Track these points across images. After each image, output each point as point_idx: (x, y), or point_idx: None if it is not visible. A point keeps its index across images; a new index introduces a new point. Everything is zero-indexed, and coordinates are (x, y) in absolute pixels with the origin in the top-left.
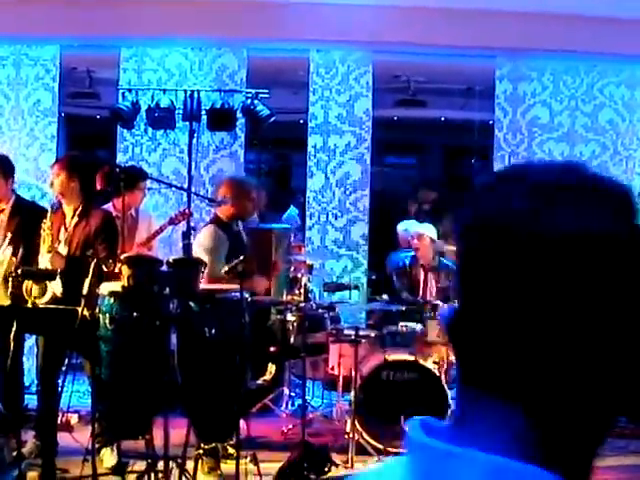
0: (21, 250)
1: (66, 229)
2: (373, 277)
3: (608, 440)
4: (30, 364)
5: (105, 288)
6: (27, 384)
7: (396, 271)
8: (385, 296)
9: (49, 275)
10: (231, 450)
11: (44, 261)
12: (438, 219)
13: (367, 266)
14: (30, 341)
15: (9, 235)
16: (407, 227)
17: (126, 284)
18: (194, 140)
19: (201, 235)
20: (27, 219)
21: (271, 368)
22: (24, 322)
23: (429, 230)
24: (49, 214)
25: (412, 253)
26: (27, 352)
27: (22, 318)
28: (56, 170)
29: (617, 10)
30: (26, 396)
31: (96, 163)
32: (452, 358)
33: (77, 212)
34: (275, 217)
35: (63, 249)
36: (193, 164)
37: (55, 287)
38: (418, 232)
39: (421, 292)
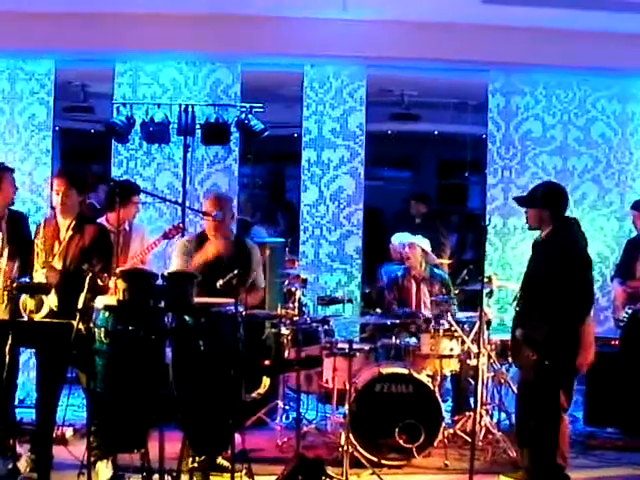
0: (17, 263)
1: (60, 243)
2: (367, 290)
3: (601, 452)
4: (25, 378)
5: (100, 302)
6: (22, 398)
7: (387, 284)
8: (378, 310)
9: (43, 289)
10: (226, 463)
11: (38, 276)
12: (430, 232)
13: (361, 280)
14: (25, 355)
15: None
16: (400, 239)
17: (121, 298)
18: (188, 154)
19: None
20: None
21: (265, 381)
22: (19, 335)
23: (421, 241)
24: (41, 228)
25: (404, 265)
26: (22, 366)
27: (17, 332)
28: (62, 185)
29: (609, 25)
30: (21, 410)
31: (93, 178)
32: (445, 371)
33: (71, 226)
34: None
35: (57, 263)
36: (187, 178)
37: (51, 301)
38: (409, 242)
39: (414, 304)
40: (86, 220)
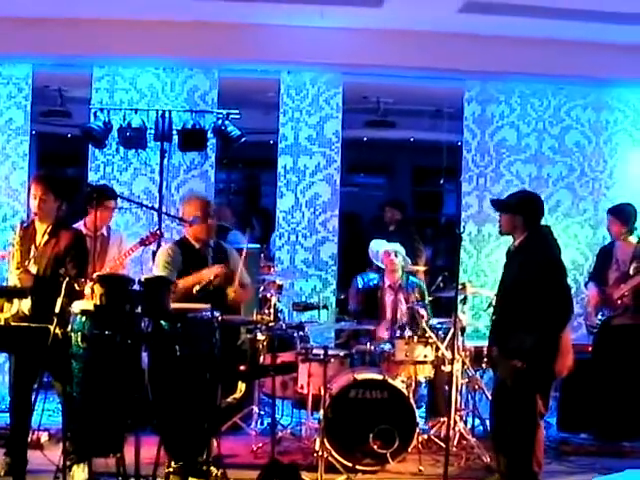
0: None
1: (36, 247)
2: (342, 297)
3: (575, 458)
4: (0, 381)
5: (77, 306)
6: None
7: (362, 291)
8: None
9: (18, 292)
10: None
11: (13, 278)
12: (404, 239)
13: (336, 286)
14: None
15: None
16: (375, 246)
17: (98, 302)
18: (165, 160)
19: (158, 252)
20: None
21: (241, 386)
22: None
23: (398, 248)
24: (18, 231)
25: (375, 275)
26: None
27: None
28: (39, 189)
29: (584, 34)
30: None
31: (71, 182)
32: (420, 377)
33: (47, 231)
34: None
35: (33, 267)
36: (164, 184)
37: (23, 305)
38: (387, 249)
39: (390, 312)
40: (62, 225)
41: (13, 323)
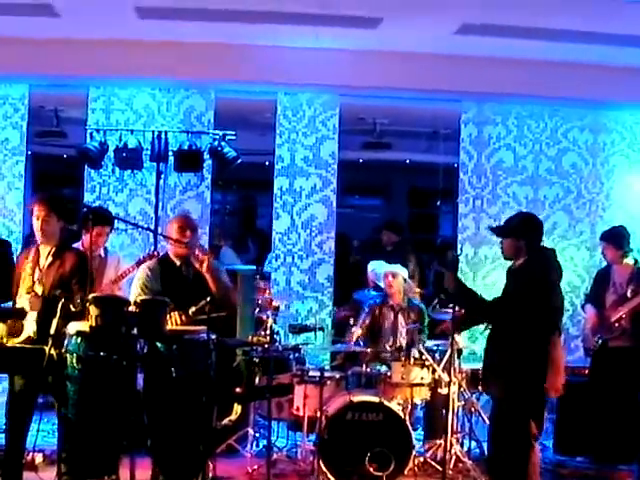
0: None
1: (40, 270)
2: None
3: None
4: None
5: (72, 327)
6: None
7: (364, 309)
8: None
9: (18, 314)
10: None
11: (22, 301)
12: (400, 261)
13: (332, 308)
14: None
15: None
16: (376, 267)
17: (93, 324)
18: (161, 181)
19: (137, 273)
20: None
21: (236, 408)
22: None
23: (401, 270)
24: (27, 254)
25: (381, 293)
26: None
27: None
28: (42, 210)
29: (581, 56)
30: None
31: (72, 203)
32: (416, 400)
33: (51, 252)
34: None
35: (38, 289)
36: (160, 204)
37: (29, 327)
38: (392, 271)
39: (390, 333)
40: (66, 246)
41: (14, 343)
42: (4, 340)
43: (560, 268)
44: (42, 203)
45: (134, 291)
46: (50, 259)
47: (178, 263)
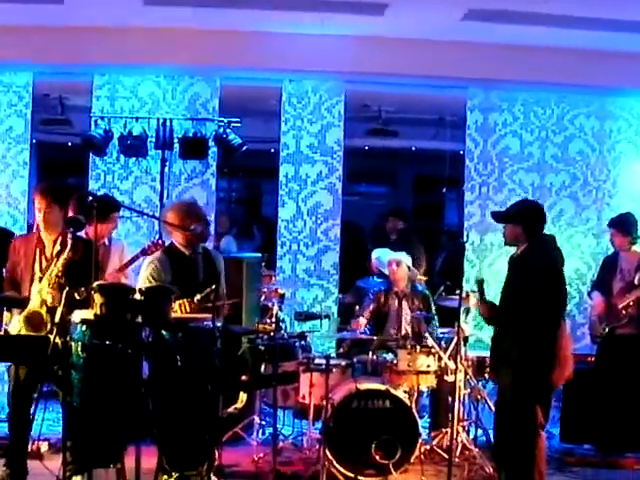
0: None
1: (47, 259)
2: (346, 300)
3: (578, 469)
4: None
5: (77, 316)
6: None
7: (369, 297)
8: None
9: (19, 302)
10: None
11: (34, 292)
12: (406, 248)
13: (338, 295)
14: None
15: None
16: (381, 255)
17: (98, 312)
18: (166, 168)
19: (143, 264)
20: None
21: (242, 396)
22: None
23: (405, 257)
24: (17, 240)
25: (384, 280)
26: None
27: None
28: (43, 200)
29: (588, 42)
30: None
31: (73, 191)
32: (422, 387)
33: (57, 240)
34: (245, 245)
35: (44, 278)
36: (165, 192)
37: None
38: (396, 258)
39: (394, 320)
40: (72, 235)
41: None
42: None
43: (561, 255)
44: (42, 194)
45: (140, 285)
46: (57, 247)
47: (187, 252)
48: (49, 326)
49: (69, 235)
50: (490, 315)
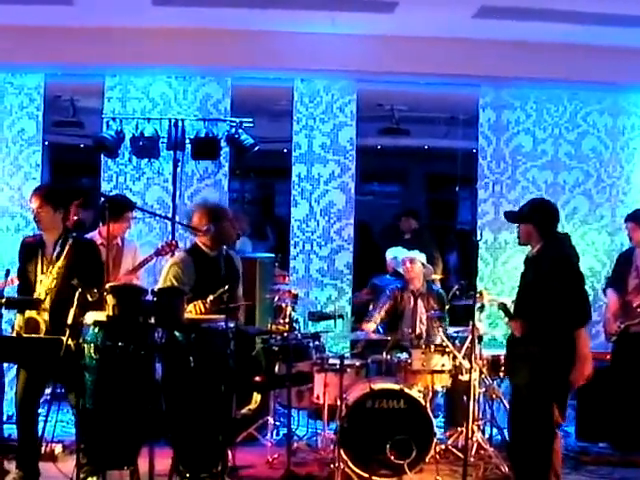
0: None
1: (47, 260)
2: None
3: (594, 468)
4: (13, 394)
5: (90, 317)
6: (10, 414)
7: (385, 295)
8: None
9: (31, 304)
10: None
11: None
12: (419, 247)
13: (352, 295)
14: (13, 371)
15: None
16: (396, 254)
17: (111, 313)
18: (178, 169)
19: (166, 265)
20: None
21: (256, 397)
22: (6, 351)
23: (419, 256)
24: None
25: (400, 279)
26: (10, 382)
27: (4, 347)
28: (36, 201)
29: (600, 38)
30: (10, 426)
31: (75, 193)
32: (437, 387)
33: (57, 242)
34: (259, 245)
35: (46, 279)
36: (177, 193)
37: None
38: (410, 257)
39: (410, 319)
40: (73, 235)
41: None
42: (22, 332)
43: (577, 254)
44: (34, 195)
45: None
46: (58, 249)
47: (212, 254)
48: (45, 329)
49: (69, 240)
50: (524, 329)
